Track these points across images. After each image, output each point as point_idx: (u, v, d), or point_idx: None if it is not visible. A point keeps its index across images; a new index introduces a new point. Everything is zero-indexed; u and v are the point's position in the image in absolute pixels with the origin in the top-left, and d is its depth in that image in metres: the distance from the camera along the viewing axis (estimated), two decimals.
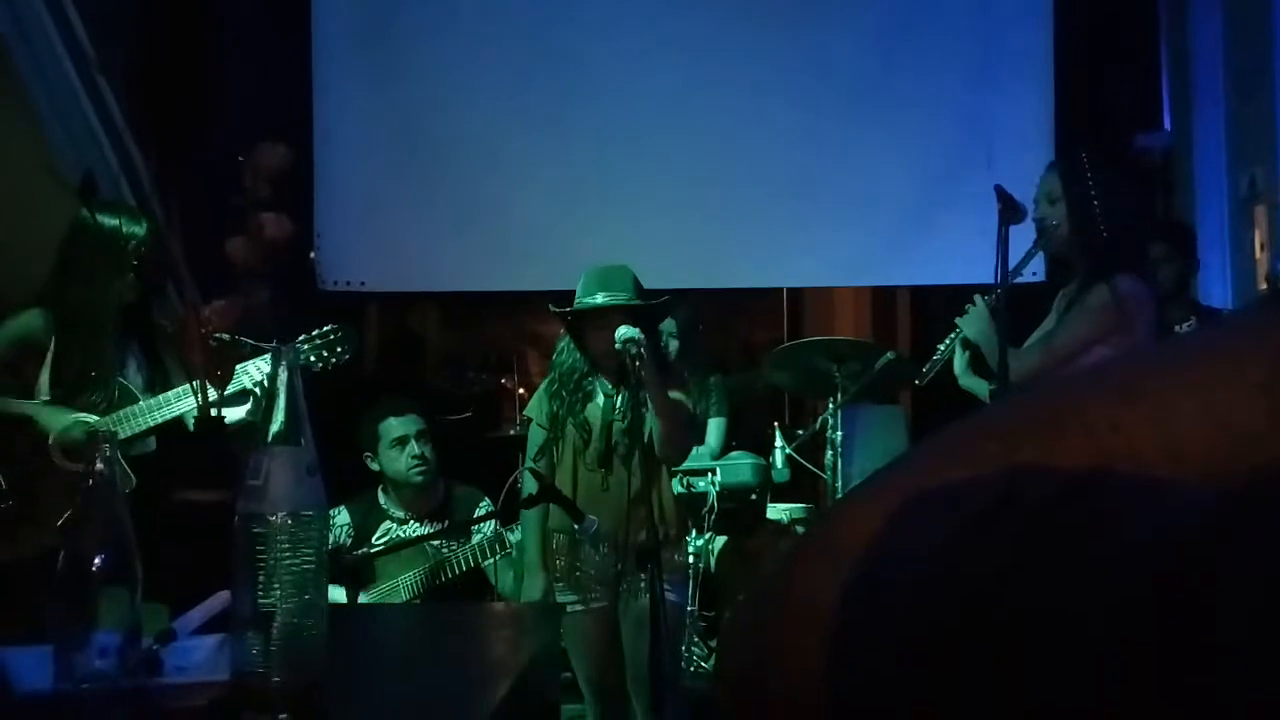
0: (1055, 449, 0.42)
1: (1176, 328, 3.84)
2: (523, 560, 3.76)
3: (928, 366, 3.76)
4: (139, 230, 3.54)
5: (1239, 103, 5.28)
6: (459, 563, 4.05)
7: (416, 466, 4.14)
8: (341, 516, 4.14)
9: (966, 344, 3.59)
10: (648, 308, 3.56)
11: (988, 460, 0.43)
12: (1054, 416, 0.44)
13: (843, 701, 0.41)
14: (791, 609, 0.43)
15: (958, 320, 3.59)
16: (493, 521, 4.09)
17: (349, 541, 4.12)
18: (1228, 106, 5.36)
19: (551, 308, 3.66)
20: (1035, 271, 3.99)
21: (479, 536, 4.14)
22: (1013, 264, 3.51)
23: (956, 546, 0.40)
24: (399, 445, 4.16)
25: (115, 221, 3.52)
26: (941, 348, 3.68)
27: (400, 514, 4.21)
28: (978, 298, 3.53)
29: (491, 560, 4.07)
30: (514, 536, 4.01)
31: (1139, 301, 3.32)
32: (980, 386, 3.59)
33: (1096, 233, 3.36)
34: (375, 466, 4.23)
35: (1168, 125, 5.75)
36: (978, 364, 3.59)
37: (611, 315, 3.47)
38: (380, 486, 4.25)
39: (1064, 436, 0.43)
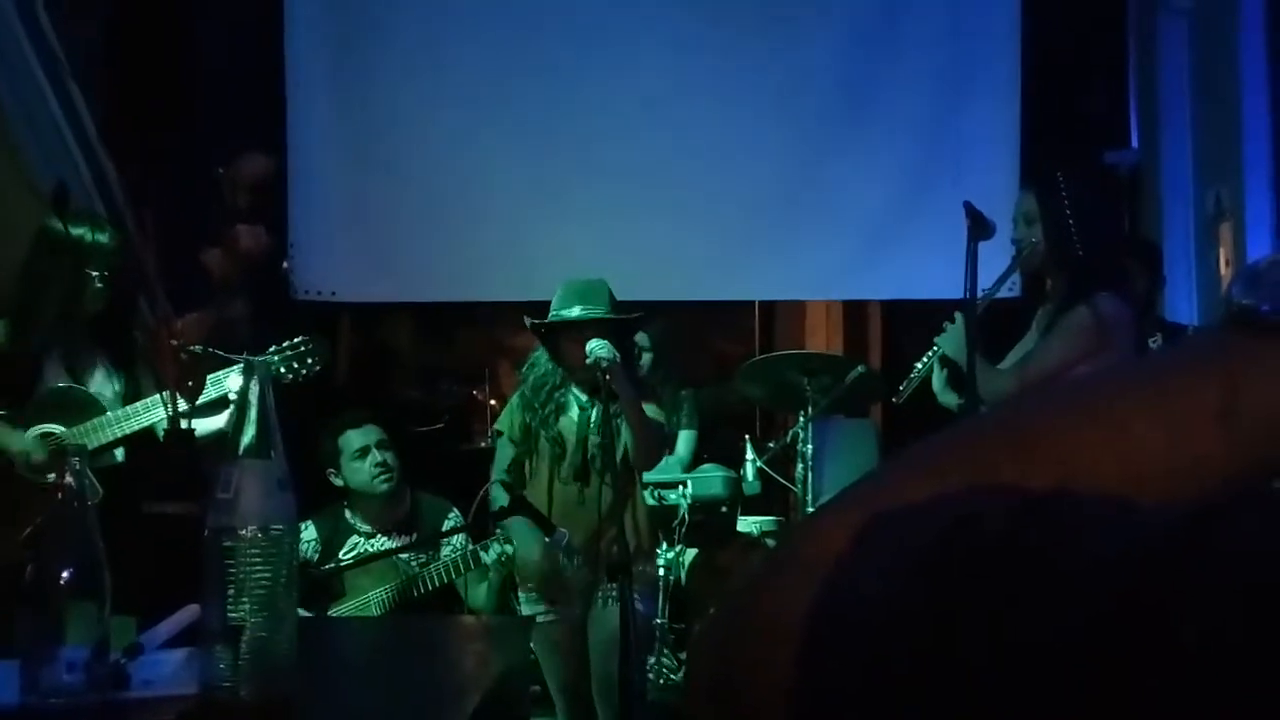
0: (1020, 467, 0.43)
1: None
2: (514, 563, 3.75)
3: (905, 384, 3.75)
4: (104, 239, 3.50)
5: (1206, 120, 5.33)
6: (430, 580, 4.02)
7: (381, 474, 4.12)
8: (308, 532, 4.08)
9: (945, 361, 3.59)
10: (623, 322, 3.57)
11: (954, 477, 0.43)
12: (1019, 435, 0.45)
13: (810, 716, 0.41)
14: (761, 623, 0.44)
15: (936, 339, 3.58)
16: (464, 538, 4.06)
17: (315, 557, 4.08)
18: (1194, 124, 5.41)
19: (527, 320, 3.65)
20: (1012, 285, 3.98)
21: (449, 550, 4.11)
22: (989, 284, 3.51)
23: (925, 564, 0.40)
24: (360, 456, 4.13)
25: (80, 231, 3.48)
26: (920, 365, 3.67)
27: (367, 528, 4.18)
28: (957, 315, 3.52)
29: (462, 576, 4.04)
30: (488, 556, 3.98)
31: (1119, 321, 3.30)
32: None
33: (1073, 252, 3.35)
34: (339, 482, 4.19)
35: (1135, 143, 5.81)
36: (955, 381, 3.58)
37: (587, 329, 3.48)
38: (345, 503, 4.22)
39: (1028, 454, 0.44)
